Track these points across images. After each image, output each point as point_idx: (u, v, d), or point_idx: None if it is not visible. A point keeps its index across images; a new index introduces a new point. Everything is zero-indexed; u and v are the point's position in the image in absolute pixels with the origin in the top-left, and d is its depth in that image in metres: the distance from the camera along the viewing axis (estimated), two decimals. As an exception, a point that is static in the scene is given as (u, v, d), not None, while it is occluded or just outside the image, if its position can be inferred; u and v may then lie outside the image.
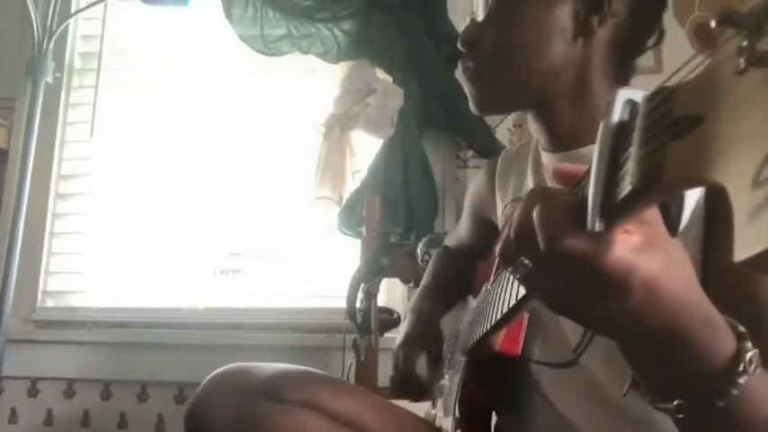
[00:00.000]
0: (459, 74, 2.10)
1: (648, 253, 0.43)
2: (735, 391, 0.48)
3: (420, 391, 1.08)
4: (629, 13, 0.85)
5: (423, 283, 1.30)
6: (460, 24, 0.95)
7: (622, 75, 0.88)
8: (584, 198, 0.41)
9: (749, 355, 0.49)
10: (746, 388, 0.49)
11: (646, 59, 0.92)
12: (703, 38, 2.13)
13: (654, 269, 0.43)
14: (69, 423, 2.19)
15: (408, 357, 1.07)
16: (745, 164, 0.26)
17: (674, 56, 2.03)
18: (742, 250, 0.26)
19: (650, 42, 0.89)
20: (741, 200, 0.26)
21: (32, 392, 2.21)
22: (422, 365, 1.06)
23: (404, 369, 1.07)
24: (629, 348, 0.51)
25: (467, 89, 0.92)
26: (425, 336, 1.11)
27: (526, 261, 0.47)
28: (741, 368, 0.48)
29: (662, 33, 0.90)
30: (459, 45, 0.92)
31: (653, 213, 0.42)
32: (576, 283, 0.44)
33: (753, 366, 0.49)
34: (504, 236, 0.49)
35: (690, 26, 2.14)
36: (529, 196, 0.47)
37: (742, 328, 0.51)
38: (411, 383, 1.06)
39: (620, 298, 0.44)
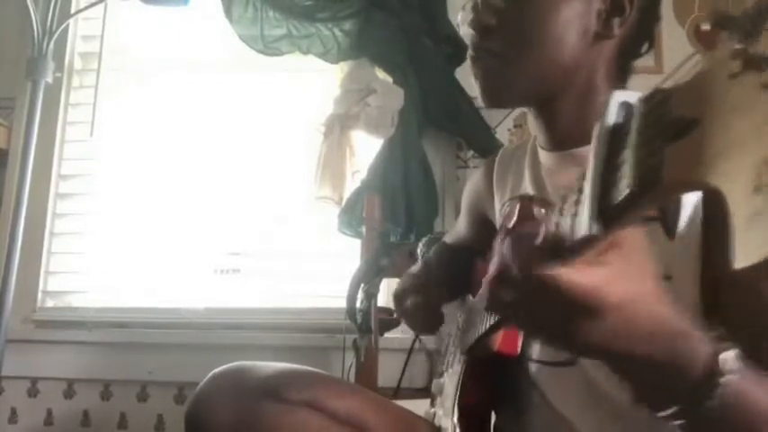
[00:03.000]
0: (459, 73, 2.12)
1: (621, 277, 0.46)
2: (720, 390, 0.51)
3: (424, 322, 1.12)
4: (638, 18, 0.85)
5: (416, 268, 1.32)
6: (458, 12, 0.90)
7: (622, 77, 0.89)
8: (580, 201, 0.42)
9: (723, 355, 0.51)
10: (734, 385, 0.51)
11: (645, 59, 0.93)
12: (703, 38, 2.13)
13: (626, 292, 0.47)
14: (69, 423, 2.19)
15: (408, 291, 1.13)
16: (742, 168, 0.26)
17: (674, 56, 2.03)
18: (743, 256, 0.26)
19: (644, 48, 0.90)
20: (740, 205, 0.26)
21: (32, 392, 2.21)
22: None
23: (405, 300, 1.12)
24: (615, 366, 0.55)
25: (479, 79, 0.89)
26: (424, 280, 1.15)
27: (508, 299, 0.51)
28: (719, 367, 0.51)
29: (652, 42, 0.90)
30: (471, 27, 0.87)
31: (626, 231, 0.45)
32: (552, 310, 0.48)
33: (729, 364, 0.51)
34: (489, 280, 0.54)
35: (690, 26, 2.14)
36: (505, 242, 0.52)
37: (715, 331, 0.53)
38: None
39: (594, 320, 0.48)
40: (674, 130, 0.31)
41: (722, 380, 0.51)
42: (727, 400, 0.51)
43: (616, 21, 0.84)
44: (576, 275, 0.45)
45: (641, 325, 0.49)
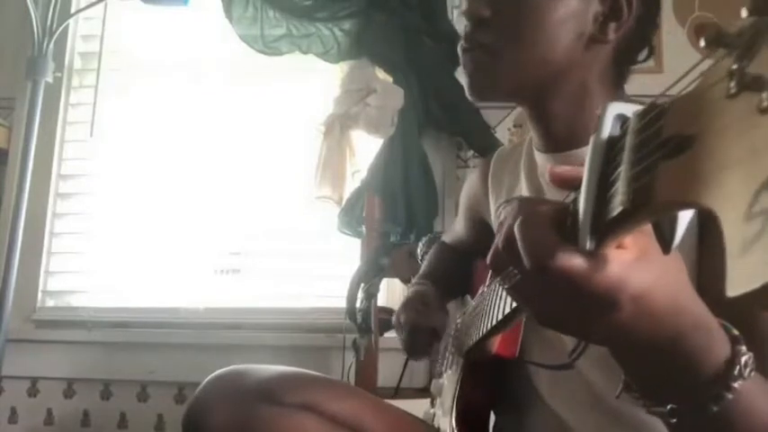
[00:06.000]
0: (459, 73, 2.11)
1: (640, 268, 0.43)
2: (729, 396, 0.47)
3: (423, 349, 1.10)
4: (635, 25, 0.85)
5: (420, 271, 1.30)
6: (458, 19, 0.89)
7: (619, 81, 0.88)
8: (575, 212, 0.41)
9: (744, 358, 0.48)
10: (741, 392, 0.48)
11: (645, 59, 0.92)
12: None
13: (644, 284, 0.43)
14: (69, 423, 2.19)
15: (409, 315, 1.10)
16: (736, 192, 0.26)
17: (674, 56, 2.03)
18: (736, 284, 0.25)
19: (642, 56, 0.89)
20: (733, 230, 0.26)
21: (32, 392, 2.22)
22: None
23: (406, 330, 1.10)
24: (621, 355, 0.51)
25: (467, 71, 0.87)
26: (422, 301, 1.13)
27: (515, 271, 0.47)
28: (736, 372, 0.48)
29: (651, 50, 0.89)
30: (466, 17, 0.86)
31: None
32: (564, 298, 0.44)
33: (748, 370, 0.48)
34: (493, 246, 0.49)
35: (690, 26, 2.14)
36: (515, 209, 0.47)
37: (736, 332, 0.50)
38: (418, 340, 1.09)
39: (609, 313, 0.44)
40: (668, 147, 0.30)
41: (737, 384, 0.48)
42: (733, 407, 0.48)
43: (612, 26, 0.83)
44: (593, 269, 0.41)
45: (657, 315, 0.45)
